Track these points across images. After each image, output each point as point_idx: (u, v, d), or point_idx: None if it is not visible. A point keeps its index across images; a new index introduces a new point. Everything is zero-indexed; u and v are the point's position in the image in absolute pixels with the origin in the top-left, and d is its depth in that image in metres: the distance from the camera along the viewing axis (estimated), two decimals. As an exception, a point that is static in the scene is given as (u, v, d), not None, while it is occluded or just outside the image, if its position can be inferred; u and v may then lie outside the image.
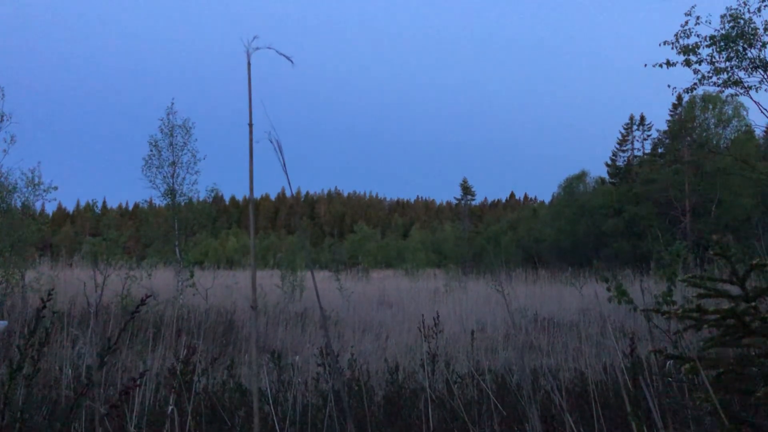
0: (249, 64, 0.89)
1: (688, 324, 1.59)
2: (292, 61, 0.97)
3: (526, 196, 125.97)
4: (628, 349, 3.37)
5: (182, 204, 14.86)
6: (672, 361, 1.75)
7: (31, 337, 1.30)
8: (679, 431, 2.24)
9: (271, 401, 3.75)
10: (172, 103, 14.89)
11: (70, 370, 3.81)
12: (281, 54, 0.97)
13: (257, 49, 0.91)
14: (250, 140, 0.83)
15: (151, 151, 14.70)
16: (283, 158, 0.88)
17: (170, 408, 2.52)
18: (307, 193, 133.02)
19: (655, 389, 3.04)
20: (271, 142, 0.92)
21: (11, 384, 1.20)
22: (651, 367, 3.51)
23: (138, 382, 1.46)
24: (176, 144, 14.79)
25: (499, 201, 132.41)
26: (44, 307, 1.35)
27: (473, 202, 51.66)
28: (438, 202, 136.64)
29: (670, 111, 40.70)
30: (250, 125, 0.87)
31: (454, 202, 52.70)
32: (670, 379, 3.34)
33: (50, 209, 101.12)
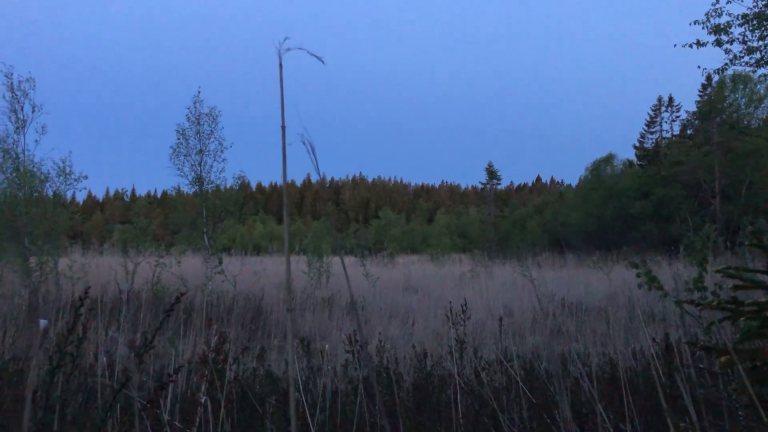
0: (281, 66, 0.89)
1: (723, 315, 1.57)
2: (323, 61, 0.97)
3: (552, 180, 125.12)
4: (658, 335, 3.34)
5: (210, 191, 14.98)
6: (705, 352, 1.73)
7: (70, 335, 1.33)
8: (713, 423, 2.22)
9: (301, 388, 3.79)
10: (199, 92, 14.99)
11: (104, 358, 3.88)
12: (312, 54, 0.97)
13: (288, 50, 0.91)
14: (283, 144, 0.83)
15: (179, 139, 14.85)
16: (316, 160, 0.88)
17: (203, 398, 2.56)
18: (332, 179, 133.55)
19: (686, 376, 3.01)
20: (304, 144, 0.92)
21: (51, 381, 1.23)
22: (682, 353, 3.47)
23: (173, 378, 1.49)
24: (203, 132, 14.91)
25: (525, 185, 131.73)
26: (81, 305, 1.38)
27: (499, 186, 51.22)
28: (463, 186, 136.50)
29: (700, 92, 39.97)
30: (283, 128, 0.87)
31: (480, 186, 52.31)
32: (701, 366, 3.30)
33: (81, 197, 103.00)
